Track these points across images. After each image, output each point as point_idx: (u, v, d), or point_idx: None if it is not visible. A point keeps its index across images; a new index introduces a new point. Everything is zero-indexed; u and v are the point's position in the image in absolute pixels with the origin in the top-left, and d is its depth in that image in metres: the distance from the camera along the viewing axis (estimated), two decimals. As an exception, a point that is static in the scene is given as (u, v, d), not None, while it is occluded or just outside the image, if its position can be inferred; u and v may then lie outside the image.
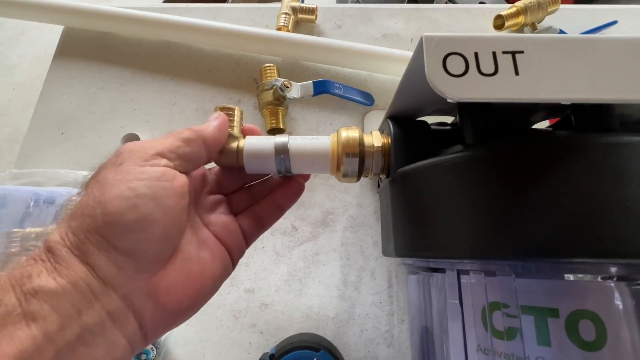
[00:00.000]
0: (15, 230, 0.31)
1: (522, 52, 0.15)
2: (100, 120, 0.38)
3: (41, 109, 0.39)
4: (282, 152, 0.22)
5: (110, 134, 0.37)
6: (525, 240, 0.15)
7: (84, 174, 0.35)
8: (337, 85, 0.36)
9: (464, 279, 0.18)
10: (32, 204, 0.31)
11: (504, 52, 0.15)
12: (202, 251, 0.18)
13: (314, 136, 0.24)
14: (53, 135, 0.38)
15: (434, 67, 0.15)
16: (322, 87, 0.35)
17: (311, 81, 0.35)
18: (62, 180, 0.35)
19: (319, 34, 0.42)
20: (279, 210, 0.22)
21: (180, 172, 0.18)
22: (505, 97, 0.15)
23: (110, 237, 0.15)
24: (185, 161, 0.18)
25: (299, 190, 0.23)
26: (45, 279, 0.14)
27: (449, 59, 0.15)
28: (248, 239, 0.21)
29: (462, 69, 0.15)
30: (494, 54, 0.15)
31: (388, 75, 0.39)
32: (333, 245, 0.33)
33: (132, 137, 0.35)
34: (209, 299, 0.19)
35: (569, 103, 0.20)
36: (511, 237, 0.16)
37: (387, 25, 0.43)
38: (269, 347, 0.29)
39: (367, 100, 0.37)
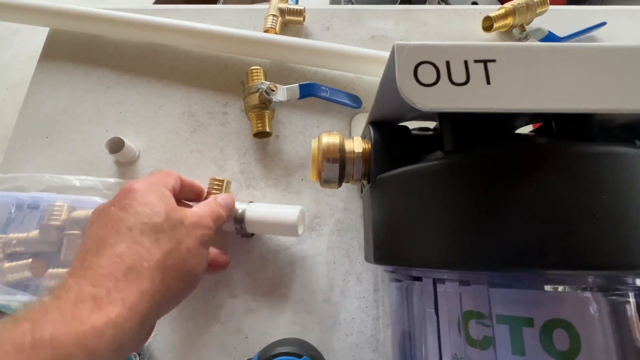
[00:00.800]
0: (-2, 235, 0.31)
1: (494, 60, 0.15)
2: (86, 124, 0.38)
3: (26, 113, 0.38)
4: (239, 219, 0.30)
5: (96, 137, 0.37)
6: (499, 250, 0.15)
7: (68, 178, 0.34)
8: (324, 88, 0.35)
9: (440, 287, 0.18)
10: (13, 209, 0.31)
11: (476, 61, 0.15)
12: None
13: (279, 206, 0.31)
14: (38, 139, 0.37)
15: (404, 76, 0.15)
16: (308, 90, 0.35)
17: (297, 84, 0.35)
18: (47, 185, 0.34)
19: (307, 36, 0.42)
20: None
21: None
22: (475, 106, 0.14)
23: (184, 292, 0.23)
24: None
25: (224, 266, 0.30)
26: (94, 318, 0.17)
27: (420, 68, 0.15)
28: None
29: (433, 78, 0.15)
30: (466, 62, 0.15)
31: (376, 78, 0.39)
32: (319, 249, 0.33)
33: (117, 142, 0.34)
34: None
35: (540, 112, 0.20)
36: (485, 247, 0.15)
37: (376, 27, 0.42)
38: (254, 352, 0.29)
39: (355, 102, 0.37)
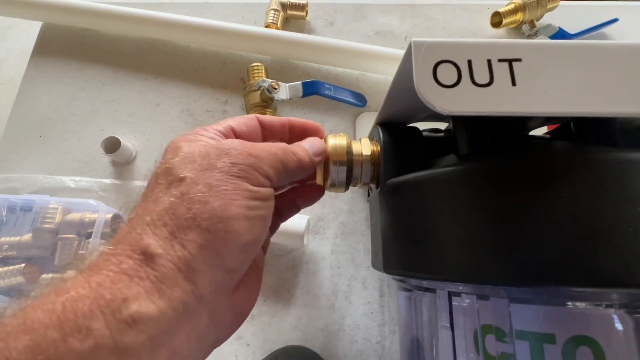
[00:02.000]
0: (-12, 239, 0.30)
1: (519, 60, 0.14)
2: (81, 122, 0.36)
3: (18, 111, 0.37)
4: None
5: (91, 136, 0.36)
6: (520, 265, 0.14)
7: (62, 179, 0.33)
8: (328, 86, 0.34)
9: (455, 301, 0.17)
10: (5, 212, 0.30)
11: (500, 60, 0.14)
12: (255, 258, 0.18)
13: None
14: (31, 138, 0.36)
15: (423, 76, 0.14)
16: (311, 88, 0.33)
17: (300, 82, 0.33)
18: (40, 186, 0.33)
19: (309, 31, 0.40)
20: (296, 209, 0.23)
21: None
22: (501, 110, 0.13)
23: (226, 255, 0.14)
24: (279, 185, 0.17)
25: (319, 195, 0.23)
26: (145, 304, 0.12)
27: (440, 68, 0.14)
28: (272, 231, 0.22)
29: (454, 79, 0.14)
30: (489, 62, 0.14)
31: (381, 75, 0.38)
32: (323, 254, 0.32)
33: (113, 142, 0.33)
34: None
35: (571, 116, 0.19)
36: (505, 261, 0.14)
37: (381, 22, 0.41)
38: (255, 360, 0.28)
39: (359, 101, 0.36)
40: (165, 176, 0.15)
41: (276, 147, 0.17)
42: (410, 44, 0.14)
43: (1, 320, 0.11)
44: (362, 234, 0.33)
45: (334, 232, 0.33)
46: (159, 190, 0.15)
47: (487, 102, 0.13)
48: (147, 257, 0.13)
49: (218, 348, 0.30)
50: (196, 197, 0.14)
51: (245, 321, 0.30)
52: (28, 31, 1.37)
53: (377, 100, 0.37)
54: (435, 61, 0.14)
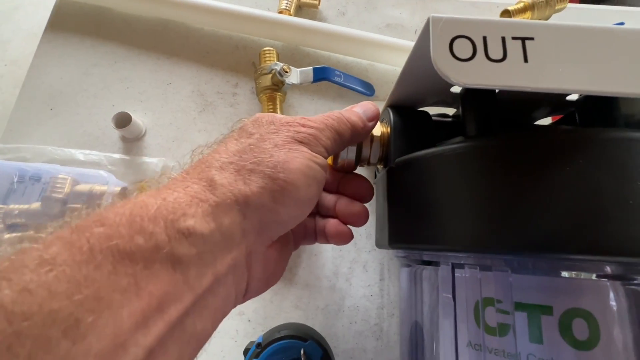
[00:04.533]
0: (-2, 206, 0.30)
1: (532, 38, 0.14)
2: (92, 98, 0.37)
3: (30, 83, 0.37)
4: None
5: (102, 112, 0.36)
6: (526, 234, 0.15)
7: (72, 151, 0.34)
8: (338, 72, 0.35)
9: (458, 272, 0.18)
10: (16, 180, 0.30)
11: (514, 38, 0.14)
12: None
13: None
14: (42, 110, 0.36)
15: (440, 49, 0.14)
16: (322, 74, 0.34)
17: (311, 67, 0.34)
18: (50, 157, 0.33)
19: (321, 20, 0.41)
20: (323, 240, 0.23)
21: None
22: (513, 84, 0.14)
23: (280, 203, 0.15)
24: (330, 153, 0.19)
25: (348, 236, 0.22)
26: (200, 223, 0.13)
27: (456, 42, 0.14)
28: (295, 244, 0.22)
29: (469, 53, 0.14)
30: (503, 39, 0.14)
31: (390, 66, 0.38)
32: (326, 236, 0.33)
33: (124, 117, 0.34)
34: None
35: (579, 95, 0.19)
36: (510, 231, 0.15)
37: (392, 15, 0.42)
38: (256, 335, 0.28)
39: (368, 90, 0.37)
40: (238, 133, 0.17)
41: (332, 119, 0.19)
42: (428, 19, 0.15)
43: (80, 215, 0.13)
44: (365, 219, 0.33)
45: (337, 216, 0.33)
46: (230, 140, 0.17)
47: (500, 77, 0.14)
48: (211, 184, 0.14)
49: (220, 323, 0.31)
50: (263, 148, 0.16)
51: (247, 297, 0.30)
52: (34, 13, 1.37)
53: (385, 90, 0.38)
54: (452, 36, 0.14)
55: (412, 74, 0.19)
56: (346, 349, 0.30)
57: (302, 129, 0.17)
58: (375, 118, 0.21)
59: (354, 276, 0.32)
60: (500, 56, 0.14)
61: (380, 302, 0.31)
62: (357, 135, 0.20)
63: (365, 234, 0.33)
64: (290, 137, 0.17)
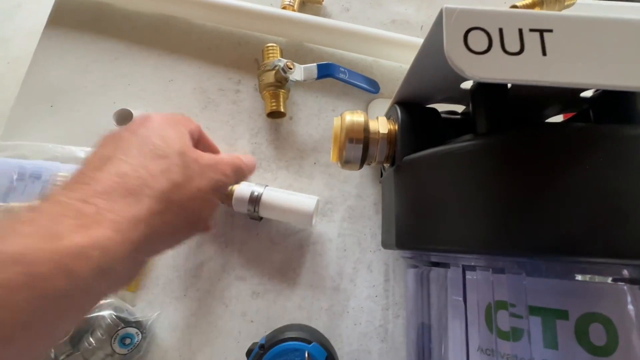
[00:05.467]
0: (-3, 204, 0.30)
1: (551, 30, 0.14)
2: (92, 95, 0.36)
3: (30, 80, 0.37)
4: (254, 201, 0.29)
5: (102, 109, 0.35)
6: (539, 236, 0.14)
7: (72, 149, 0.33)
8: (342, 69, 0.34)
9: (469, 275, 0.17)
10: (15, 177, 0.30)
11: (531, 30, 0.14)
12: None
13: (295, 193, 0.30)
14: (42, 107, 0.36)
15: (453, 42, 0.14)
16: (326, 71, 0.33)
17: (315, 64, 0.33)
18: (50, 155, 0.33)
19: (325, 16, 0.40)
20: None
21: None
22: (531, 79, 0.13)
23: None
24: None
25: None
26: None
27: (470, 34, 0.14)
28: None
29: (484, 46, 0.14)
30: (520, 31, 0.14)
31: (395, 63, 0.38)
32: (330, 236, 0.32)
33: (125, 114, 0.33)
34: None
35: (594, 91, 0.19)
36: (524, 232, 0.14)
37: (397, 11, 0.41)
38: (258, 336, 0.28)
39: (373, 87, 0.36)
40: None
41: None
42: (441, 11, 0.14)
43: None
44: (370, 218, 0.33)
45: (341, 216, 0.33)
46: None
47: (517, 70, 0.13)
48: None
49: (222, 324, 0.30)
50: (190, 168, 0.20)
51: (250, 298, 0.30)
52: (37, 11, 1.36)
53: (390, 87, 0.37)
54: (466, 28, 0.14)
55: (421, 69, 0.19)
56: (351, 350, 0.29)
57: (221, 178, 0.21)
58: (253, 170, 0.26)
59: (359, 277, 0.31)
60: (517, 49, 0.14)
61: (385, 303, 0.30)
62: (242, 178, 0.25)
63: (369, 234, 0.32)
64: (210, 185, 0.21)
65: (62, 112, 0.36)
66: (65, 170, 0.31)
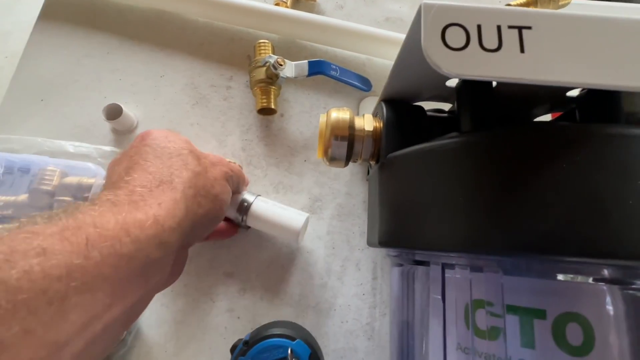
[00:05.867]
0: (-15, 197, 0.30)
1: (529, 27, 0.14)
2: (83, 89, 0.36)
3: (21, 74, 0.37)
4: (243, 211, 0.28)
5: (93, 103, 0.35)
6: (518, 235, 0.14)
7: (62, 143, 0.33)
8: (334, 67, 0.34)
9: (448, 273, 0.17)
10: (2, 171, 0.30)
11: (510, 27, 0.14)
12: None
13: (286, 208, 0.29)
14: (32, 101, 0.36)
15: (431, 38, 0.13)
16: (317, 68, 0.33)
17: (306, 61, 0.33)
18: (39, 149, 0.33)
19: (318, 14, 0.40)
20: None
21: None
22: (507, 76, 0.13)
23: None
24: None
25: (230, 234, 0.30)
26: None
27: (448, 31, 0.14)
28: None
29: (462, 42, 0.13)
30: (499, 27, 0.14)
31: (388, 60, 0.37)
32: (319, 233, 0.32)
33: (115, 108, 0.33)
34: None
35: (578, 88, 0.18)
36: (503, 231, 0.14)
37: (391, 9, 0.41)
38: (245, 332, 0.28)
39: (365, 85, 0.36)
40: None
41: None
42: (420, 7, 0.14)
43: (74, 211, 0.15)
44: (359, 216, 0.33)
45: (330, 213, 0.33)
46: None
47: (494, 67, 0.13)
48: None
49: (209, 319, 0.30)
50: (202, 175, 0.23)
51: (237, 294, 0.30)
52: (35, 5, 1.36)
53: (383, 85, 0.37)
54: (444, 24, 0.14)
55: (405, 66, 0.19)
56: (337, 348, 0.29)
57: (228, 171, 0.25)
58: (240, 177, 0.28)
59: (346, 274, 0.31)
60: (495, 46, 0.13)
61: (372, 301, 0.30)
62: (233, 183, 0.27)
63: (358, 232, 0.32)
64: (222, 174, 0.24)
65: (53, 107, 0.35)
66: (54, 164, 0.31)
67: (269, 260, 0.31)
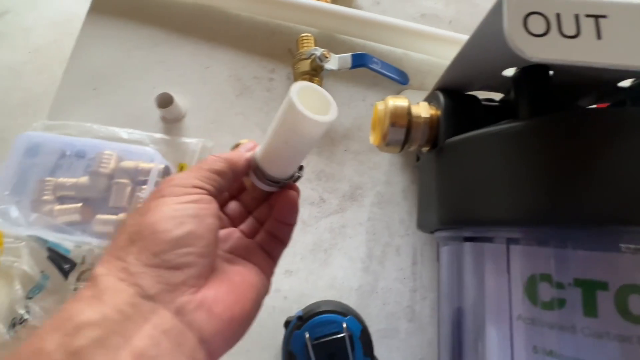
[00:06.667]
0: (48, 178, 0.31)
1: (605, 16, 0.15)
2: (133, 79, 0.38)
3: (74, 63, 0.39)
4: (254, 167, 0.20)
5: (143, 93, 0.37)
6: (584, 206, 0.15)
7: (116, 130, 0.35)
8: (376, 60, 0.35)
9: (512, 247, 0.18)
10: (68, 153, 0.31)
11: (587, 16, 0.15)
12: (234, 266, 0.19)
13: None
14: (85, 90, 0.37)
15: (514, 24, 0.15)
16: (360, 61, 0.34)
17: (350, 54, 0.34)
18: (94, 135, 0.35)
19: (356, 9, 0.41)
20: (286, 225, 0.22)
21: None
22: (587, 60, 0.14)
23: (161, 252, 0.15)
24: (216, 190, 0.18)
25: (291, 201, 0.22)
26: (87, 313, 0.13)
27: (529, 18, 0.15)
28: (271, 254, 0.21)
29: (543, 29, 0.15)
30: (577, 16, 0.15)
31: (424, 55, 0.38)
32: (360, 219, 0.33)
33: (166, 97, 0.34)
34: (256, 312, 0.19)
35: (633, 81, 0.19)
36: (569, 203, 0.15)
37: (427, 5, 0.42)
38: (292, 312, 0.29)
39: (402, 78, 0.37)
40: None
41: (204, 163, 0.19)
42: (501, -3, 0.15)
43: None
44: (398, 204, 0.34)
45: (371, 201, 0.34)
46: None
47: (574, 52, 0.14)
48: (93, 280, 0.15)
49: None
50: (134, 222, 0.16)
51: (283, 276, 0.31)
52: (59, 2, 1.39)
53: (419, 79, 0.38)
54: (526, 12, 0.15)
55: (469, 55, 0.20)
56: (379, 329, 0.30)
57: (163, 185, 0.18)
58: (237, 158, 0.20)
59: (387, 259, 0.32)
60: (573, 32, 0.15)
61: (412, 286, 0.31)
62: (235, 165, 0.20)
63: (398, 220, 0.33)
64: (152, 197, 0.17)
65: (105, 96, 0.37)
66: (110, 149, 0.32)
67: (313, 244, 0.32)
